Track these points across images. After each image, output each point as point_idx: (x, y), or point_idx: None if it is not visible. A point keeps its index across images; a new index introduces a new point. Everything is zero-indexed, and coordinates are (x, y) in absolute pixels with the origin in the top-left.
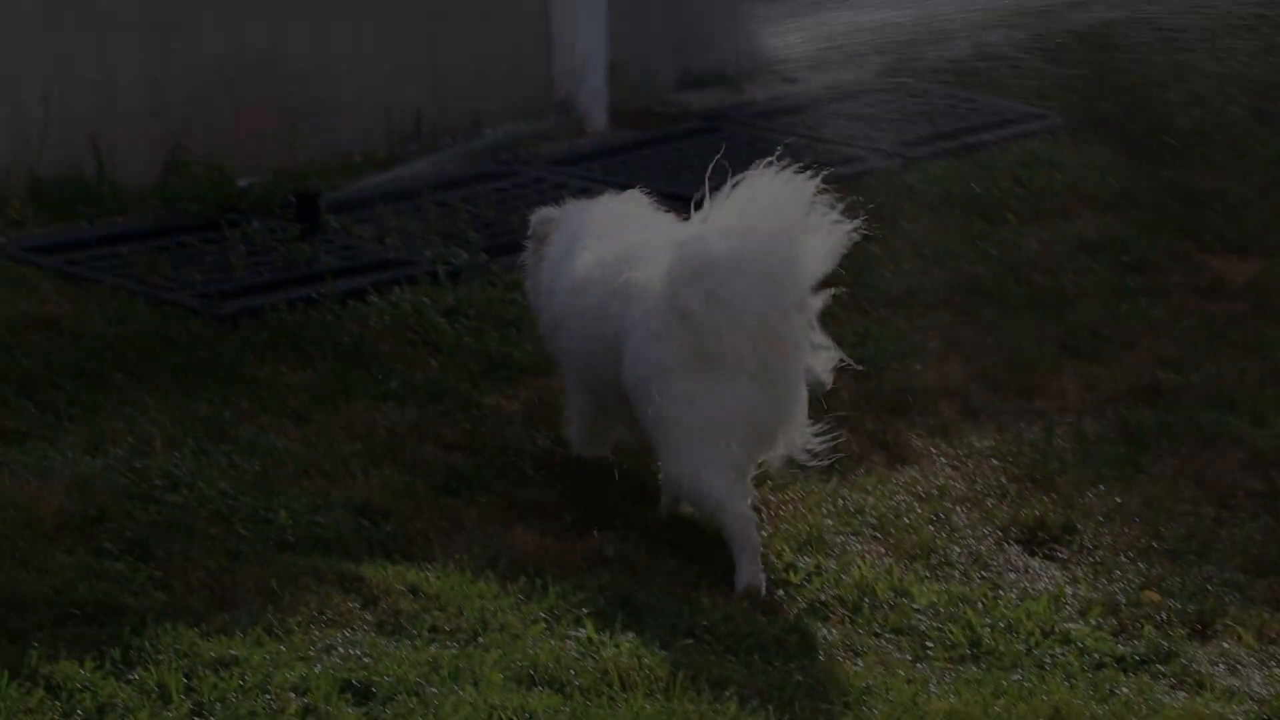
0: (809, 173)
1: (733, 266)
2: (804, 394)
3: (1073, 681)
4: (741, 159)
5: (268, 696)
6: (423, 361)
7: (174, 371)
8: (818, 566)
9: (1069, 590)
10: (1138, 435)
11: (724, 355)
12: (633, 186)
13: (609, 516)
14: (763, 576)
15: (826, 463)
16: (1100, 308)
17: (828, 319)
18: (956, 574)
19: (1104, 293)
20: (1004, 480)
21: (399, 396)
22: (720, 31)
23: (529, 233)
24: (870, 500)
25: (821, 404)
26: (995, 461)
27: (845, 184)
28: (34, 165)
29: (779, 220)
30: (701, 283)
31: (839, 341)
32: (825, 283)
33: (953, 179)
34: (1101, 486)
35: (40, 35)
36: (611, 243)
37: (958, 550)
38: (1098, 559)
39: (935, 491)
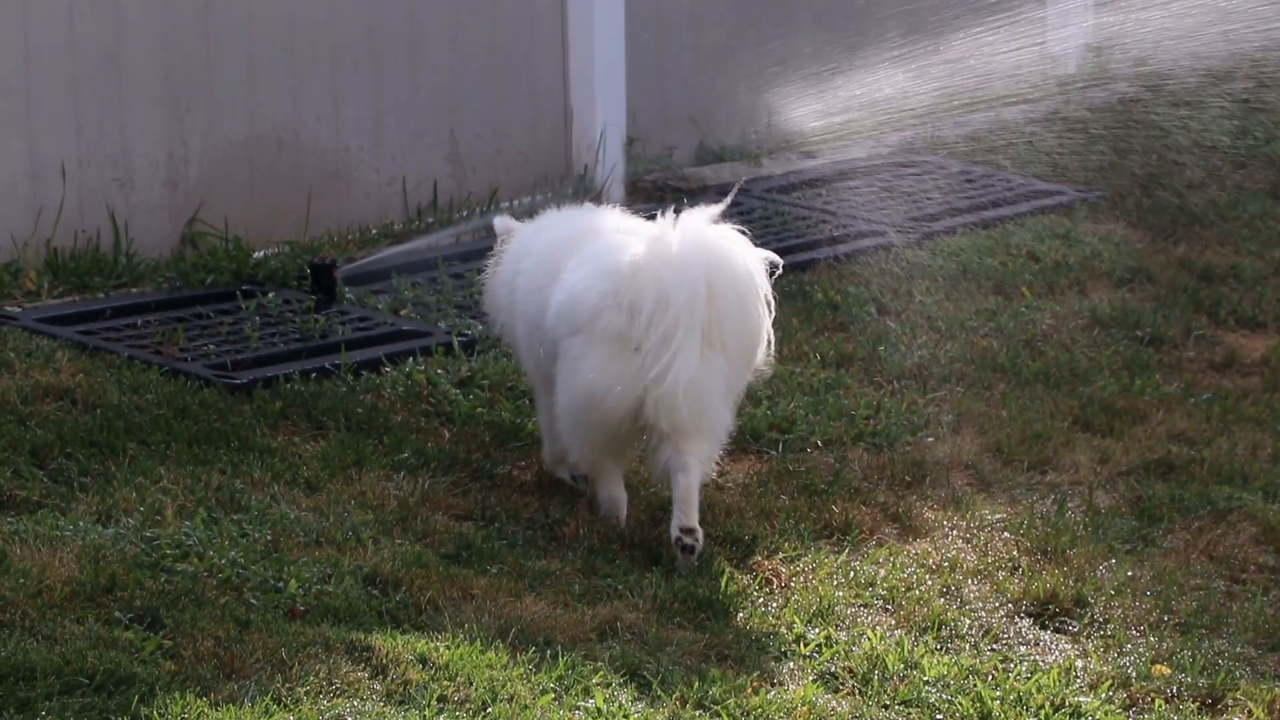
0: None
1: (674, 260)
2: (713, 412)
3: None
4: (758, 232)
5: None
6: (435, 432)
7: (187, 441)
8: (828, 638)
9: (1080, 663)
10: (1150, 509)
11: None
12: None
13: (619, 587)
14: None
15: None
16: (1114, 382)
17: (842, 392)
18: (967, 646)
19: (1117, 367)
20: (1016, 553)
21: (411, 467)
22: (738, 107)
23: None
24: (881, 572)
25: (835, 476)
26: (1007, 534)
27: (862, 258)
28: (51, 236)
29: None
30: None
31: (851, 414)
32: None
33: (968, 253)
34: (1113, 560)
35: (60, 108)
36: (556, 234)
37: (968, 623)
38: (1109, 632)
39: (947, 564)
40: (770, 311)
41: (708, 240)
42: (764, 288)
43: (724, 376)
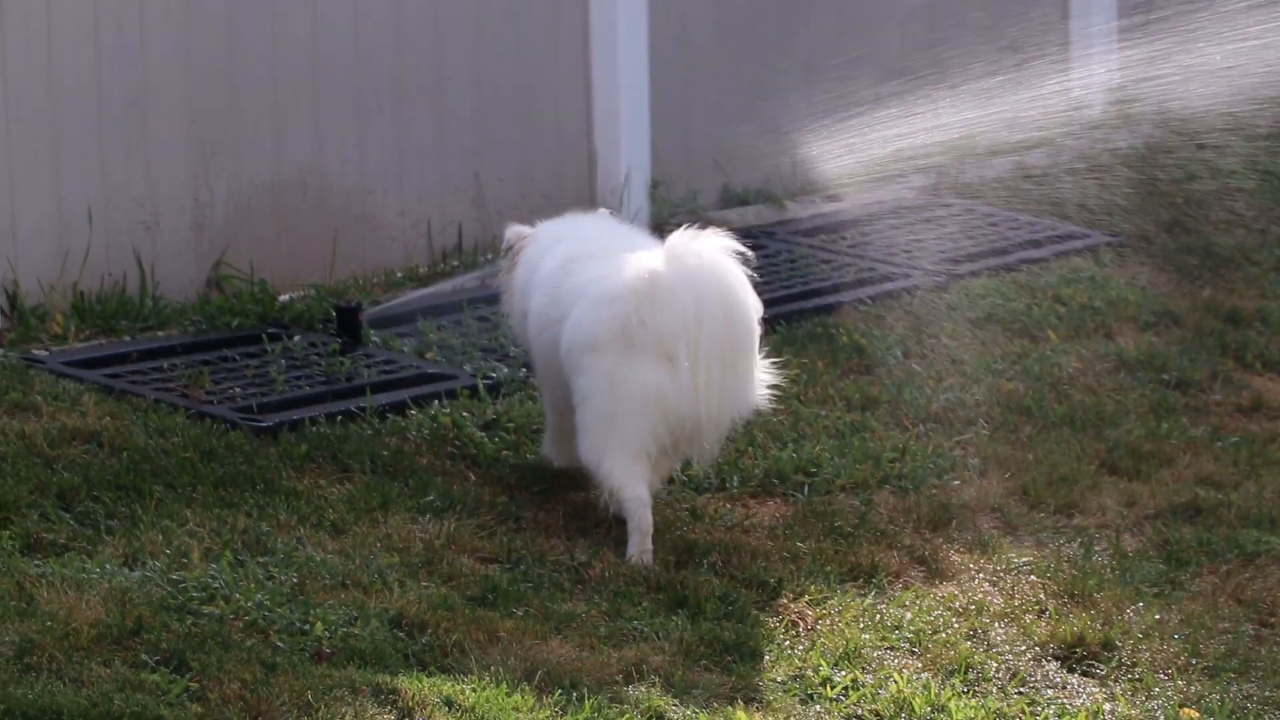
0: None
1: (691, 273)
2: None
3: None
4: (782, 275)
5: None
6: (461, 475)
7: (213, 484)
8: (854, 681)
9: (1107, 707)
10: (1177, 552)
11: (652, 340)
12: None
13: (645, 629)
14: (650, 555)
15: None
16: (1140, 425)
17: (867, 435)
18: (994, 690)
19: (1144, 410)
20: (1042, 596)
21: (437, 509)
22: (763, 150)
23: (505, 245)
24: (908, 615)
25: (861, 519)
26: (1034, 577)
27: (887, 301)
28: (78, 280)
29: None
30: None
31: (877, 457)
32: None
33: (994, 297)
34: (1141, 603)
35: (86, 151)
36: (573, 245)
37: (995, 666)
38: (1137, 676)
39: (973, 607)
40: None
41: (722, 262)
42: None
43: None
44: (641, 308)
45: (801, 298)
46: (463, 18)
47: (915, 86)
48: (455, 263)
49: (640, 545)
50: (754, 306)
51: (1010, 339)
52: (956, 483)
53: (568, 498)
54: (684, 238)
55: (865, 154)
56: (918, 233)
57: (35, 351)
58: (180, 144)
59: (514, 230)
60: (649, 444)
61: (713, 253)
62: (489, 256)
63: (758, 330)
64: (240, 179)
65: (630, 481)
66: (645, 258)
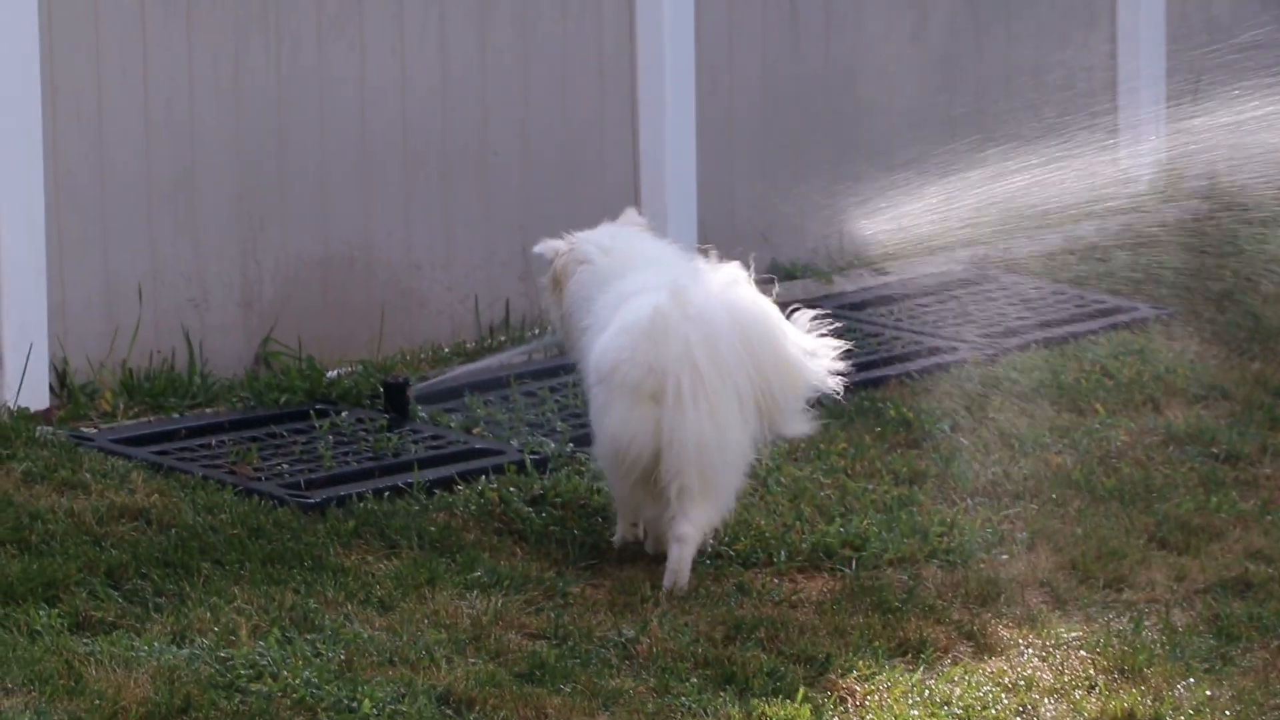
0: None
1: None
2: (725, 474)
3: None
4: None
5: None
6: (508, 550)
7: (261, 561)
8: None
9: None
10: (1228, 627)
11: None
12: None
13: (693, 705)
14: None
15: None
16: (1190, 499)
17: (915, 509)
18: None
19: (1193, 484)
20: (1092, 671)
21: (484, 585)
22: (809, 224)
23: (541, 258)
24: (957, 691)
25: (909, 594)
26: (1083, 652)
27: (934, 375)
28: (127, 357)
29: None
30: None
31: (925, 532)
32: None
33: (1041, 370)
34: (1191, 679)
35: (135, 227)
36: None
37: None
38: None
39: (1022, 682)
40: (808, 365)
41: (730, 295)
42: (793, 342)
43: (747, 437)
44: (638, 345)
45: (848, 371)
46: (509, 92)
47: (962, 160)
48: (503, 338)
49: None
50: (779, 330)
51: (1058, 412)
52: (1005, 557)
53: (615, 572)
54: (695, 275)
55: (912, 227)
56: (965, 306)
57: (84, 429)
58: (228, 220)
59: (548, 246)
60: (628, 483)
61: (729, 289)
62: (536, 331)
63: (791, 348)
64: (288, 255)
65: (624, 513)
66: (655, 293)
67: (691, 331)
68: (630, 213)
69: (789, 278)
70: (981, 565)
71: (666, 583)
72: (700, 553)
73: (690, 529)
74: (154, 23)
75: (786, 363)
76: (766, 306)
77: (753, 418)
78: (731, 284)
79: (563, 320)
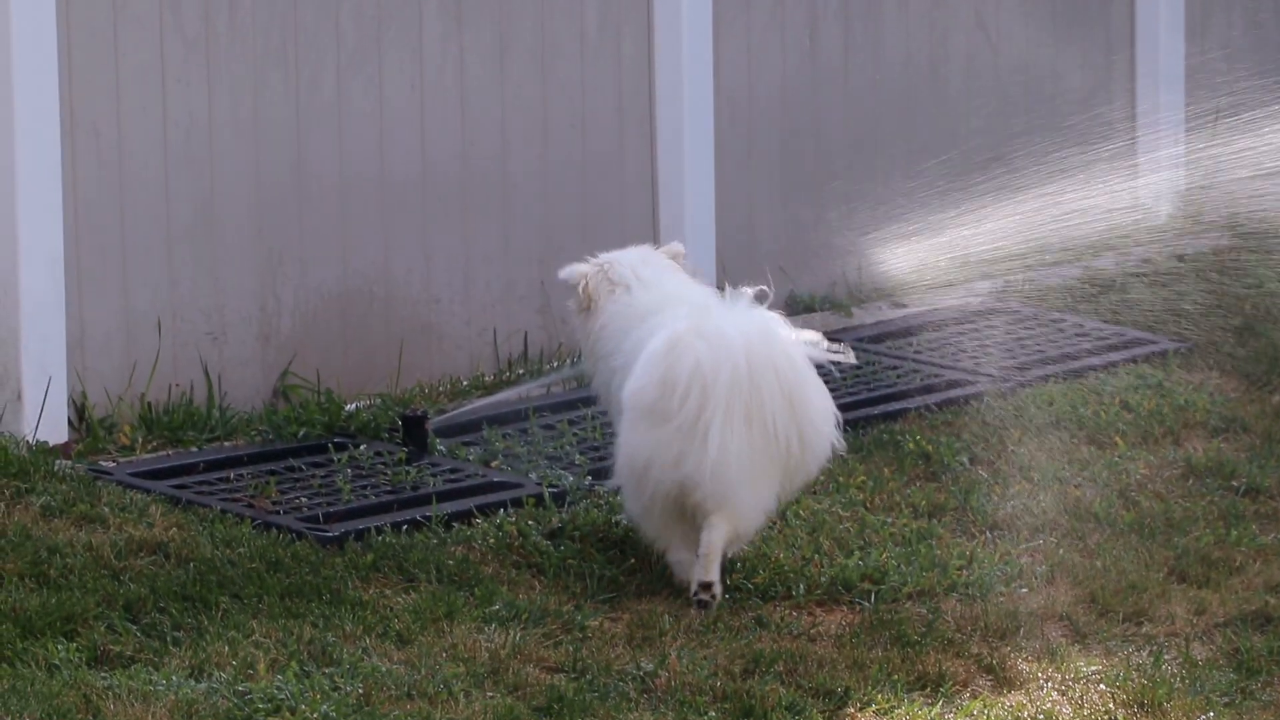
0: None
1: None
2: (746, 491)
3: None
4: (848, 382)
5: None
6: (526, 583)
7: (279, 594)
8: None
9: None
10: (1248, 661)
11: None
12: None
13: None
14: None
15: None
16: (1209, 533)
17: (934, 542)
18: None
19: (1213, 518)
20: (1112, 705)
21: (502, 618)
22: (828, 256)
23: (569, 281)
24: None
25: (928, 628)
26: (1103, 686)
27: (953, 408)
28: (145, 390)
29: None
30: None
31: (944, 565)
32: None
33: (1060, 403)
34: (1211, 713)
35: (155, 262)
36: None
37: None
38: None
39: (1042, 716)
40: (823, 392)
41: (747, 321)
42: (808, 368)
43: (765, 457)
44: (654, 369)
45: (867, 404)
46: (529, 128)
47: (982, 193)
48: (521, 371)
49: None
50: (798, 361)
51: (1077, 445)
52: (1024, 590)
53: (633, 606)
54: (716, 304)
55: (931, 260)
56: (984, 338)
57: (103, 463)
58: (248, 254)
59: (574, 271)
60: (660, 505)
61: (744, 315)
62: (555, 364)
63: (809, 380)
64: (307, 289)
65: (663, 542)
66: (676, 322)
67: (715, 354)
68: (675, 245)
69: (808, 310)
70: (1001, 599)
71: (696, 578)
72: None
73: (719, 520)
74: (173, 57)
75: (801, 385)
76: (784, 331)
77: (779, 447)
78: (756, 311)
79: (590, 342)
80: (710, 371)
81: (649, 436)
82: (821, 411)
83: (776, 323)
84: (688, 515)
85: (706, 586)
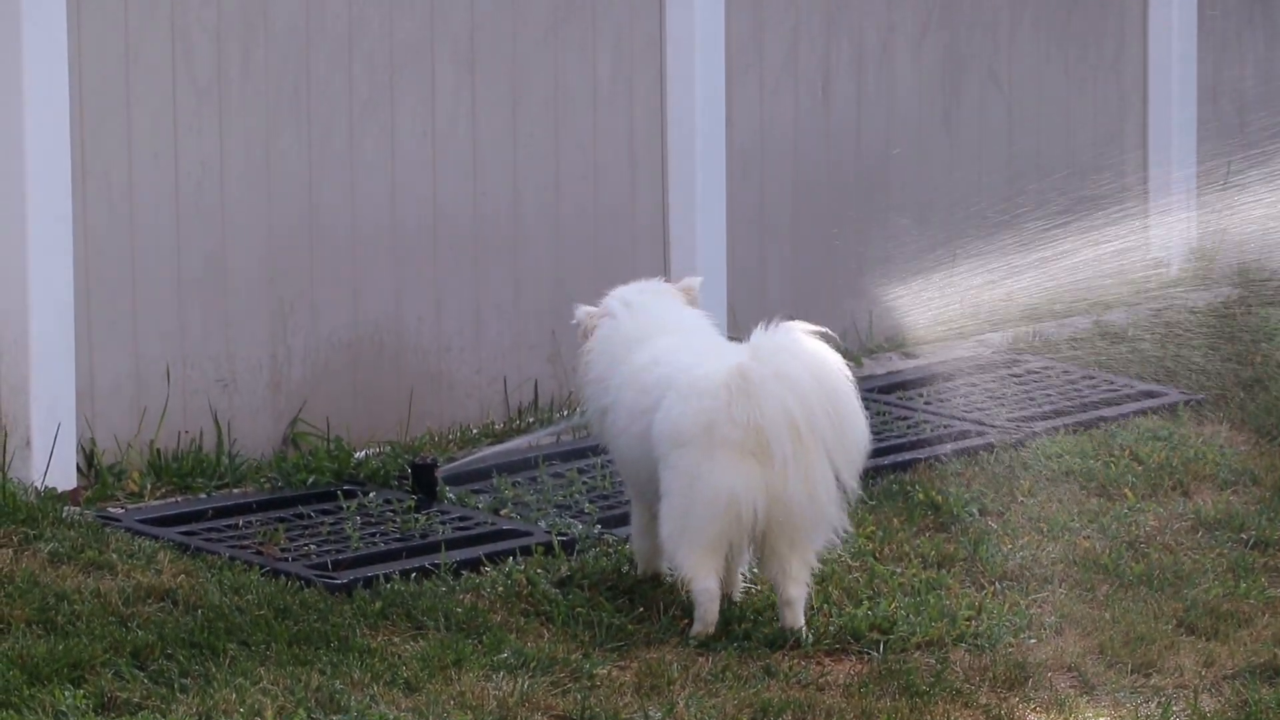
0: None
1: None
2: (832, 517)
3: None
4: None
5: None
6: (535, 632)
7: (287, 642)
8: None
9: None
10: (1256, 713)
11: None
12: None
13: None
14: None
15: None
16: (1218, 585)
17: (943, 592)
18: None
19: (1222, 570)
20: None
21: (510, 666)
22: (838, 306)
23: (579, 328)
24: None
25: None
26: None
27: (963, 459)
28: (154, 437)
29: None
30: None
31: (953, 615)
32: None
33: (1070, 455)
34: None
35: (165, 310)
36: (667, 340)
37: None
38: None
39: None
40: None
41: (809, 348)
42: (856, 392)
43: (836, 482)
44: (733, 404)
45: (877, 455)
46: (541, 177)
47: (993, 244)
48: (531, 419)
49: (701, 631)
50: (854, 394)
51: (1087, 497)
52: (1033, 641)
53: (642, 654)
54: (772, 334)
55: (942, 312)
56: (994, 390)
57: (111, 509)
58: (258, 302)
59: (584, 310)
60: (722, 543)
61: (806, 345)
62: (565, 413)
63: (862, 420)
64: (317, 337)
65: (700, 574)
66: (734, 352)
67: (784, 389)
68: (690, 280)
69: None
70: (1009, 649)
71: (785, 625)
72: (728, 635)
73: (798, 591)
74: (185, 106)
75: (856, 415)
76: (837, 358)
77: (835, 464)
78: (804, 338)
79: (580, 369)
80: (797, 411)
81: (737, 470)
82: (863, 424)
83: (830, 351)
84: (734, 548)
85: (796, 632)
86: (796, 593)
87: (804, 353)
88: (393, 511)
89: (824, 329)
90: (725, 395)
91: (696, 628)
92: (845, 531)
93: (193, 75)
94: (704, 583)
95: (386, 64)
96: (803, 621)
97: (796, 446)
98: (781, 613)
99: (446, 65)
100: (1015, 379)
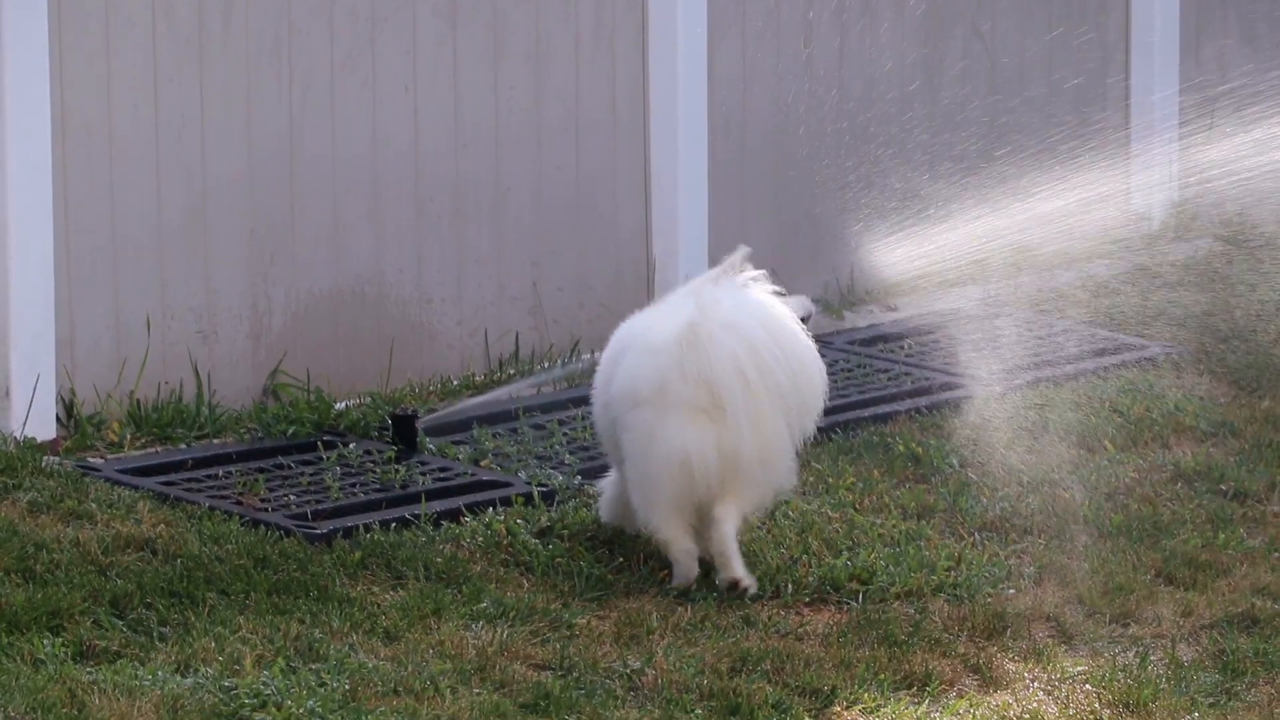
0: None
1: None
2: (783, 467)
3: None
4: (839, 384)
5: None
6: (515, 582)
7: (266, 591)
8: None
9: None
10: (1234, 663)
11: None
12: None
13: None
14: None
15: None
16: (1197, 536)
17: (923, 543)
18: None
19: (1201, 521)
20: (1098, 705)
21: (490, 616)
22: (820, 260)
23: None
24: None
25: (915, 627)
26: (1089, 687)
27: (943, 411)
28: (134, 388)
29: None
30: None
31: (932, 566)
32: None
33: (1051, 407)
34: (1196, 713)
35: (145, 261)
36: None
37: None
38: None
39: (1028, 716)
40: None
41: (755, 298)
42: (808, 339)
43: (790, 432)
44: (684, 360)
45: (858, 406)
46: (523, 131)
47: (975, 198)
48: (512, 370)
49: (682, 584)
50: (805, 338)
51: (1067, 449)
52: (1012, 591)
53: (621, 604)
54: (716, 286)
55: (923, 263)
56: (975, 342)
57: (90, 459)
58: (239, 254)
59: None
60: (684, 501)
61: (752, 294)
62: (545, 365)
63: (817, 364)
64: (298, 288)
65: (676, 535)
66: (681, 309)
67: (733, 339)
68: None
69: None
70: (988, 599)
71: (722, 579)
72: (707, 585)
73: (730, 546)
74: (165, 57)
75: (809, 358)
76: (783, 307)
77: (790, 415)
78: (750, 287)
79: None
80: (747, 358)
81: (691, 429)
82: (819, 372)
83: (776, 303)
84: (696, 505)
85: (734, 584)
86: (729, 548)
87: (750, 301)
88: (373, 462)
89: (762, 273)
90: (677, 352)
91: (677, 581)
92: (792, 491)
93: (173, 26)
94: (682, 543)
95: (368, 15)
96: (739, 573)
97: (748, 398)
98: (716, 565)
99: (428, 17)
100: (996, 331)
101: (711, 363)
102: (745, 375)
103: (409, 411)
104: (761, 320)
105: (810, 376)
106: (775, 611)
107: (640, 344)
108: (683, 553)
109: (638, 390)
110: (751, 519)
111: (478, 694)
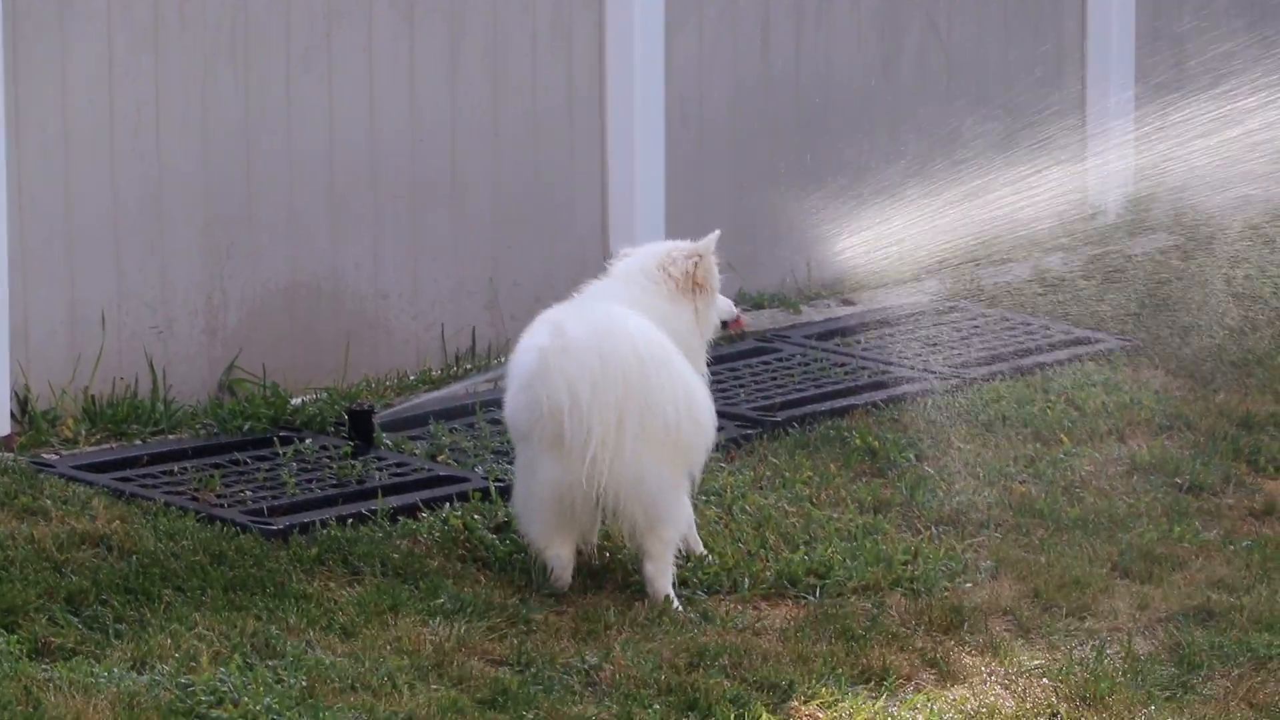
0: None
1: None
2: (663, 499)
3: None
4: (795, 378)
5: None
6: (472, 577)
7: (222, 587)
8: None
9: None
10: (1189, 656)
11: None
12: None
13: None
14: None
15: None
16: (1153, 529)
17: (879, 537)
18: None
19: (1157, 514)
20: (1054, 699)
21: (447, 612)
22: (777, 254)
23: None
24: (919, 718)
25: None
26: (1046, 680)
27: (900, 405)
28: (89, 384)
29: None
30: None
31: (889, 560)
32: None
33: (1007, 400)
34: (1153, 707)
35: (101, 255)
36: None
37: None
38: None
39: (984, 710)
40: (686, 379)
41: (603, 319)
42: (665, 358)
43: (661, 461)
44: (535, 389)
45: (815, 400)
46: (479, 125)
47: (931, 191)
48: (468, 365)
49: (556, 590)
50: (666, 361)
51: (1023, 442)
52: (968, 585)
53: (579, 600)
54: (573, 304)
55: (880, 257)
56: (931, 336)
57: (45, 455)
58: (195, 249)
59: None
60: (565, 524)
61: (599, 314)
62: (501, 359)
63: (680, 388)
64: (254, 284)
65: (547, 543)
66: (539, 334)
67: (571, 365)
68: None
69: (757, 307)
70: (945, 593)
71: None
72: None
73: (652, 567)
74: (121, 51)
75: (665, 385)
76: (641, 325)
77: (669, 447)
78: (601, 307)
79: None
80: (583, 386)
81: (559, 465)
82: (686, 397)
83: (624, 319)
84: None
85: (662, 602)
86: (651, 569)
87: (597, 323)
88: (329, 458)
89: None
90: (531, 383)
91: (551, 588)
92: (690, 521)
93: (129, 19)
94: (554, 550)
95: (325, 10)
96: (665, 593)
97: (605, 428)
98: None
99: (384, 12)
100: (953, 325)
101: (551, 391)
102: (581, 403)
103: (366, 407)
104: (600, 345)
105: (665, 400)
106: (732, 606)
107: (511, 367)
108: (555, 559)
109: (516, 426)
110: (683, 547)
111: (435, 690)
